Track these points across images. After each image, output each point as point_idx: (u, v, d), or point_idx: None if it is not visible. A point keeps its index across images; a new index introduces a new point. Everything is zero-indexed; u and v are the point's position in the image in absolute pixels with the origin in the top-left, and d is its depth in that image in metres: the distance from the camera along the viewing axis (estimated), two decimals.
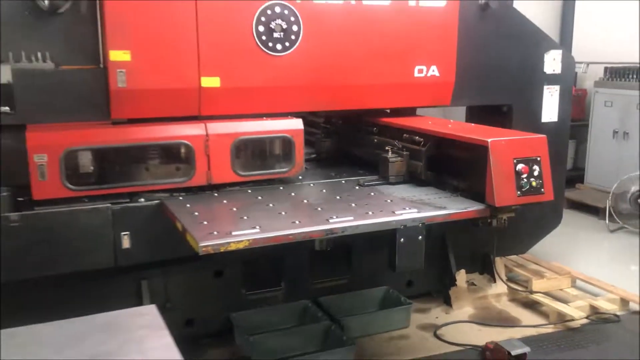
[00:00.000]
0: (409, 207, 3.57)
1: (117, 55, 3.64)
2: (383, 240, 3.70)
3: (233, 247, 2.98)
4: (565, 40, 9.49)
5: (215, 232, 3.07)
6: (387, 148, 4.42)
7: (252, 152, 4.18)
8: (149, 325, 2.08)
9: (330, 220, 3.29)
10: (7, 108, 3.56)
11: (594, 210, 7.62)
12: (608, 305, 4.84)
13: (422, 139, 4.27)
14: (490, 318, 4.84)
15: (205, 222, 3.28)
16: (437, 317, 4.84)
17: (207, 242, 2.94)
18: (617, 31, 8.71)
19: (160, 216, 3.75)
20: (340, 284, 4.72)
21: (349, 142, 5.16)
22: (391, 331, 4.51)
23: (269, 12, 3.97)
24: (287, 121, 4.12)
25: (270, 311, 4.42)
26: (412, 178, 4.33)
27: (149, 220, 3.76)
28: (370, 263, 4.71)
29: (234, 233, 3.05)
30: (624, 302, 4.96)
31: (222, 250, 2.97)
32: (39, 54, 3.63)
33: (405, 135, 4.44)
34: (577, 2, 9.40)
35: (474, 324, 4.73)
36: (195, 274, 4.21)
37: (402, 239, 3.42)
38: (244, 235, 3.04)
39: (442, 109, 5.44)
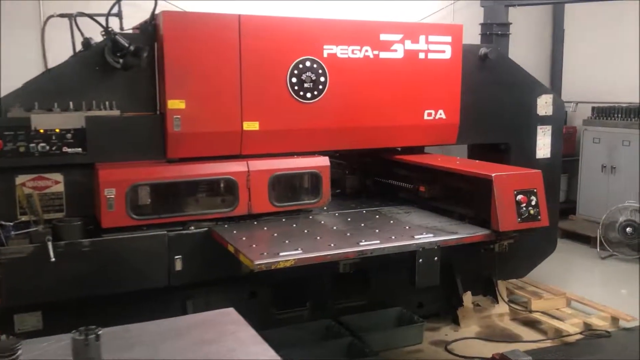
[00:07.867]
0: (425, 232, 4.15)
1: (174, 104, 4.25)
2: (398, 266, 4.26)
3: (282, 265, 3.54)
4: (555, 81, 10.17)
5: (265, 253, 3.64)
6: (345, 171, 5.55)
7: (285, 185, 4.75)
8: (235, 322, 2.62)
9: (360, 244, 3.86)
10: (79, 149, 4.14)
11: (586, 239, 8.08)
12: (600, 322, 5.38)
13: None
14: (494, 335, 5.36)
15: (254, 245, 3.84)
16: (446, 335, 5.35)
17: (261, 261, 3.50)
18: (602, 72, 9.37)
19: (207, 242, 4.31)
20: (358, 305, 5.23)
21: None
22: (407, 346, 5.02)
23: (300, 66, 4.61)
24: (315, 159, 4.70)
25: (296, 329, 4.93)
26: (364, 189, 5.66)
27: (197, 246, 4.31)
28: (385, 286, 5.22)
29: (281, 254, 3.61)
30: (614, 319, 5.48)
31: (272, 268, 3.53)
32: (107, 103, 4.23)
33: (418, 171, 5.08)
34: (565, 45, 10.12)
35: (480, 340, 5.24)
36: (233, 295, 4.67)
37: (420, 260, 3.98)
38: (290, 255, 3.61)
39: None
